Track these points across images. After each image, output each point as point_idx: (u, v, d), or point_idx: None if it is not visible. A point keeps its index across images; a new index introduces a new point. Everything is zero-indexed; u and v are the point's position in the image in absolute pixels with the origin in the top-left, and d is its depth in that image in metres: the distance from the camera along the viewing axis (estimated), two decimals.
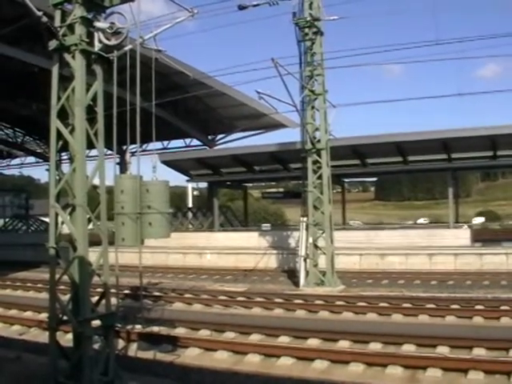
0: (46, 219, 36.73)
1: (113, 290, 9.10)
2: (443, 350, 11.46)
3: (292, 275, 24.74)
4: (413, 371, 10.43)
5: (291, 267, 26.81)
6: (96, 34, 8.75)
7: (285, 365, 11.35)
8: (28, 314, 17.95)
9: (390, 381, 10.17)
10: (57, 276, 8.81)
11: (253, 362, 11.66)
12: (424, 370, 10.34)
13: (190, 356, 12.26)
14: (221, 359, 11.94)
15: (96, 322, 8.96)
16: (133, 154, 11.58)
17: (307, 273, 22.64)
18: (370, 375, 10.51)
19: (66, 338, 10.38)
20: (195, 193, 68.20)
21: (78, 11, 8.52)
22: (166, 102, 25.66)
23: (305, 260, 22.77)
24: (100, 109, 8.93)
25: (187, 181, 45.78)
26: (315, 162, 23.03)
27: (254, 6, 17.98)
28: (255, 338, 13.48)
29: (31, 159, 59.39)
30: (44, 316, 14.28)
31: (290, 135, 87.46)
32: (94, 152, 9.45)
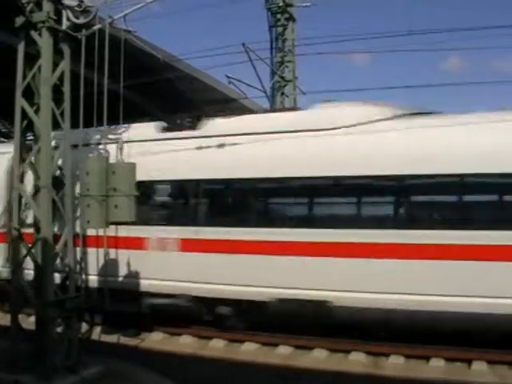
0: None
1: None
2: None
3: None
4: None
5: None
6: (64, 12, 8.57)
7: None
8: None
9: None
10: None
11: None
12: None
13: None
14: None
15: None
16: None
17: None
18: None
19: (29, 321, 10.21)
20: None
21: None
22: (134, 84, 25.30)
23: None
24: (67, 89, 8.75)
25: None
26: None
27: None
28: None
29: None
30: None
31: None
32: None
